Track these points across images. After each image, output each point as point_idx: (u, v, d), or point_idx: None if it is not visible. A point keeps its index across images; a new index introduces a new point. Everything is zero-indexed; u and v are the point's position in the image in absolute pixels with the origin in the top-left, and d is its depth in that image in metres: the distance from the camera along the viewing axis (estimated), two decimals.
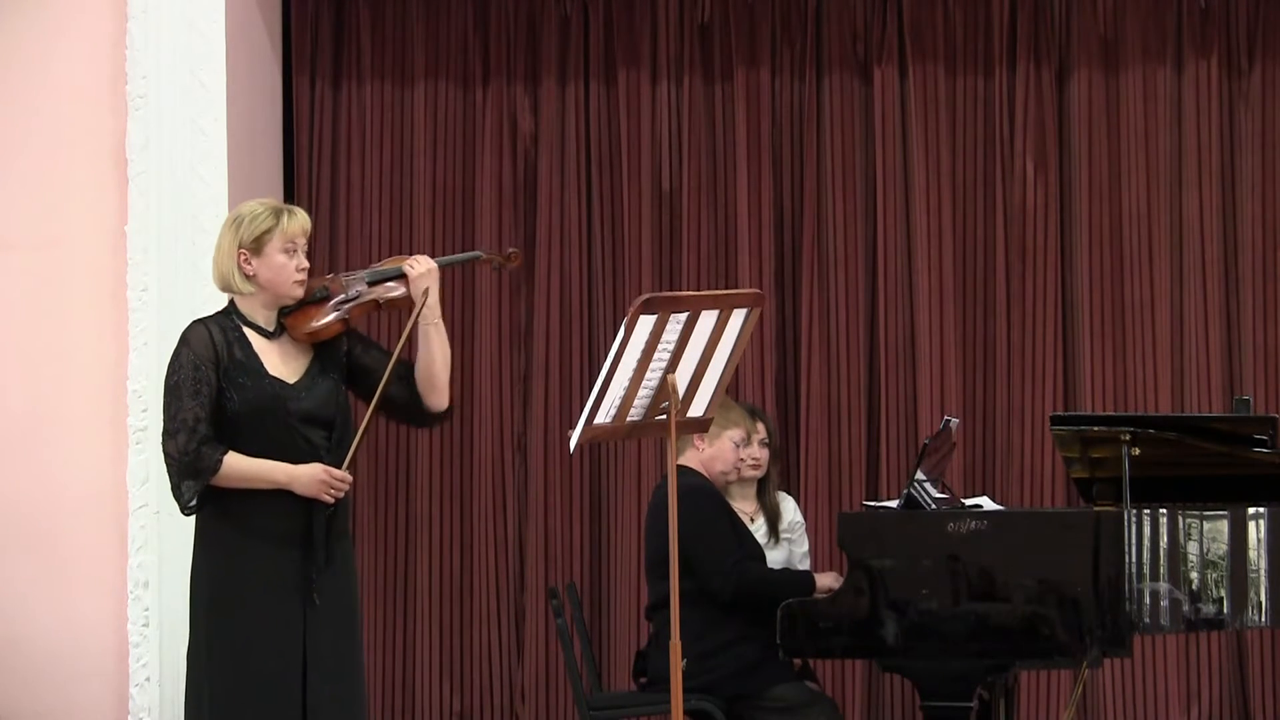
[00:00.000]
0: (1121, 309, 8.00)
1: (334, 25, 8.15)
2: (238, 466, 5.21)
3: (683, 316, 5.00)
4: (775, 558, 6.85)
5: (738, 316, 5.13)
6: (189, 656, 5.33)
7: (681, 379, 5.06)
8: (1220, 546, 6.04)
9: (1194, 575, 6.03)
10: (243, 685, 5.21)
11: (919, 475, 6.25)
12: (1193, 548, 6.03)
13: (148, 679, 7.12)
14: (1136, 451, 6.13)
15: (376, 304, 5.42)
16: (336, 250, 8.08)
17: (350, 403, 5.42)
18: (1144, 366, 7.98)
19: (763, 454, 6.92)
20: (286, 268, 5.31)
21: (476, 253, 6.31)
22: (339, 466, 5.27)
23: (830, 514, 7.74)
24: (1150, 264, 7.99)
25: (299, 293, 5.34)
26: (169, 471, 5.25)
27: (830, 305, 8.04)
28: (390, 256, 5.66)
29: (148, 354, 7.05)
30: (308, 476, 5.24)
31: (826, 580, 6.54)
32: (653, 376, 5.02)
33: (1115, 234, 8.02)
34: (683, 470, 6.47)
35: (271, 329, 5.35)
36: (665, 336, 4.99)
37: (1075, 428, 6.36)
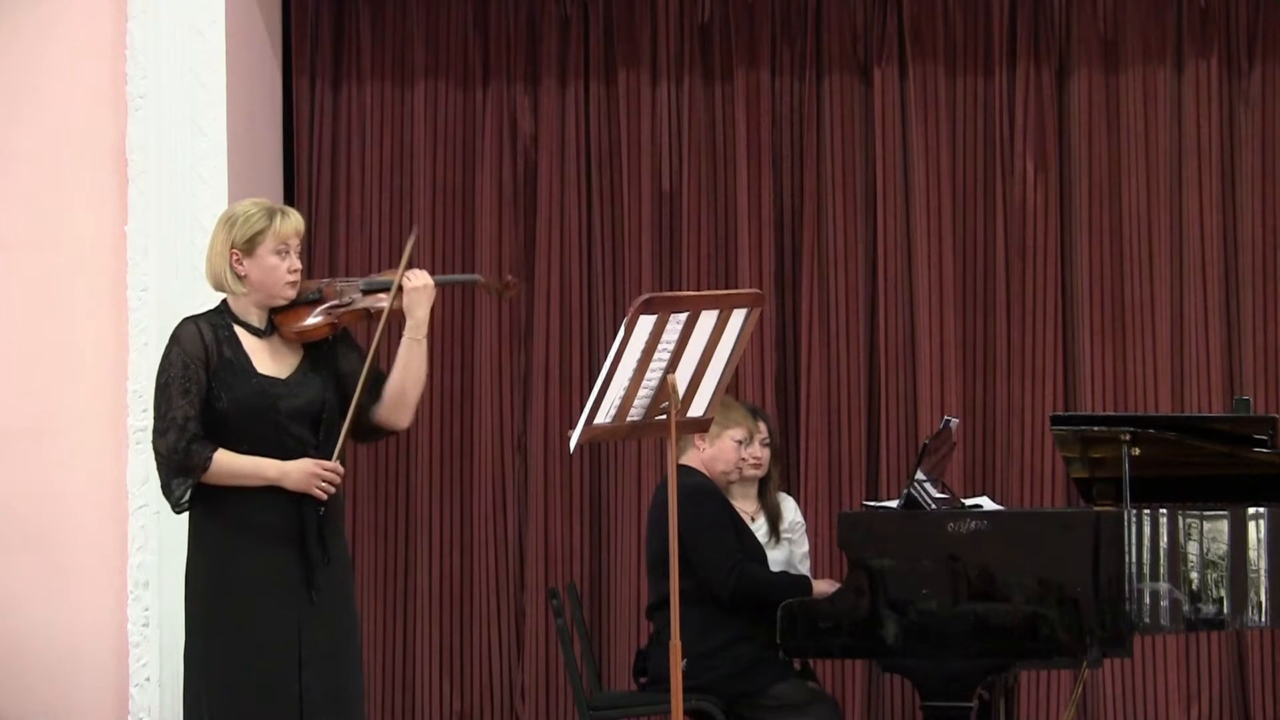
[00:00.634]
0: (1121, 309, 8.00)
1: (334, 25, 8.15)
2: (228, 464, 5.21)
3: (683, 316, 5.00)
4: (776, 557, 6.85)
5: (738, 316, 5.13)
6: (186, 655, 5.32)
7: (681, 379, 5.06)
8: (1220, 546, 6.04)
9: (1194, 575, 6.02)
10: (241, 683, 5.20)
11: (919, 475, 6.25)
12: (1193, 548, 6.03)
13: (148, 679, 7.12)
14: (1136, 451, 6.13)
15: (367, 312, 5.40)
16: (336, 250, 8.08)
17: (339, 403, 5.40)
18: (1144, 366, 7.98)
19: (764, 454, 6.92)
20: (278, 269, 5.30)
21: (476, 276, 6.31)
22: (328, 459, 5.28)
23: (830, 514, 7.73)
24: (1150, 264, 7.98)
25: (290, 294, 5.33)
26: (159, 469, 5.26)
27: (830, 305, 8.04)
28: (390, 268, 5.65)
29: (148, 354, 7.03)
30: (298, 471, 5.23)
31: (823, 586, 6.54)
32: (653, 376, 5.02)
33: (1115, 234, 8.01)
34: (684, 470, 6.48)
35: (263, 327, 5.34)
36: (665, 336, 4.99)
37: (1075, 428, 6.36)
